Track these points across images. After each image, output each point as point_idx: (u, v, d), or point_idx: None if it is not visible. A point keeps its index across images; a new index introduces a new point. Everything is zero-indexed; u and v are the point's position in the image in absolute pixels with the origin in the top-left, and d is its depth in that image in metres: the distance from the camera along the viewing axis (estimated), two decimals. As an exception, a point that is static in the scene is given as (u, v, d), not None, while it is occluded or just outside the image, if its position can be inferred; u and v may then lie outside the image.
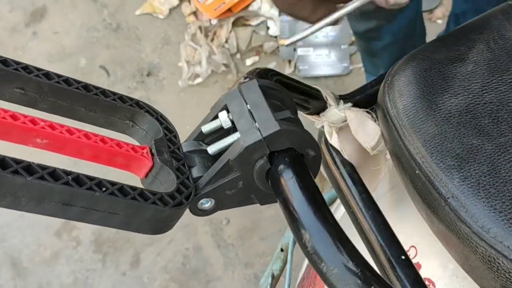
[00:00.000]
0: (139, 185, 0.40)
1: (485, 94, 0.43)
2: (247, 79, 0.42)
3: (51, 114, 0.36)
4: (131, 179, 0.37)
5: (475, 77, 0.45)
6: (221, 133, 0.38)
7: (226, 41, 1.66)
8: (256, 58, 1.64)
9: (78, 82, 0.36)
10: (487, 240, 0.36)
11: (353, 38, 1.63)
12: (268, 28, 1.67)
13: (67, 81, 0.36)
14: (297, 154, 0.35)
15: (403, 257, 0.43)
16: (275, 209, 1.43)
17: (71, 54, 1.78)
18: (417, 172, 0.41)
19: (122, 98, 0.38)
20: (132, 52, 1.74)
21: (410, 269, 0.42)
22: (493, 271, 0.36)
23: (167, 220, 0.33)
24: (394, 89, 0.47)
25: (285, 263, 0.67)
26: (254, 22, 1.67)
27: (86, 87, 0.37)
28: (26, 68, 0.34)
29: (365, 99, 0.57)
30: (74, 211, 0.30)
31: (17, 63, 0.34)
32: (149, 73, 1.69)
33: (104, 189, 0.30)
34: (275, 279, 0.65)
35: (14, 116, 0.31)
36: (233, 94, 0.38)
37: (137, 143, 0.39)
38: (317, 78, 1.58)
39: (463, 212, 0.37)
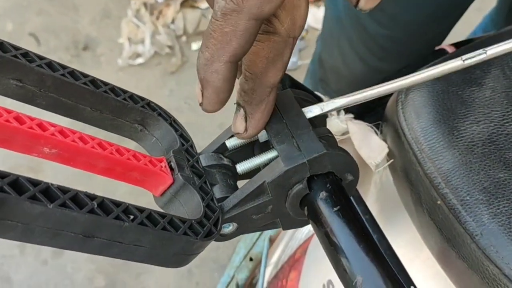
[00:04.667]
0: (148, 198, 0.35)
1: (506, 124, 0.42)
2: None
3: (49, 112, 0.29)
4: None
5: (494, 104, 0.43)
6: (245, 147, 0.33)
7: (173, 22, 1.58)
8: (203, 43, 1.57)
9: (85, 75, 0.30)
10: (519, 283, 0.34)
11: (304, 34, 1.62)
12: (217, 13, 1.61)
13: (73, 73, 0.29)
14: (337, 179, 0.32)
15: (412, 287, 0.41)
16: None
17: (-4, 16, 1.61)
18: (438, 203, 0.39)
19: (132, 97, 0.32)
20: (67, 22, 1.61)
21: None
22: (520, 315, 0.35)
23: (195, 252, 0.28)
24: (409, 108, 0.44)
25: (252, 273, 0.63)
26: (203, 5, 1.60)
27: (94, 82, 0.30)
28: (26, 55, 0.27)
29: (358, 109, 0.55)
30: (95, 244, 0.24)
31: (16, 47, 0.27)
32: (86, 47, 1.56)
33: (132, 217, 0.25)
34: (239, 289, 0.61)
35: (19, 119, 0.24)
36: (266, 105, 0.33)
37: (144, 151, 0.33)
38: (264, 70, 1.55)
39: (492, 252, 0.35)
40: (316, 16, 1.59)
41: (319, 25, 1.55)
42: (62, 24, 1.60)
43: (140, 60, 1.54)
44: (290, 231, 0.71)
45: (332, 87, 0.89)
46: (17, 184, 0.21)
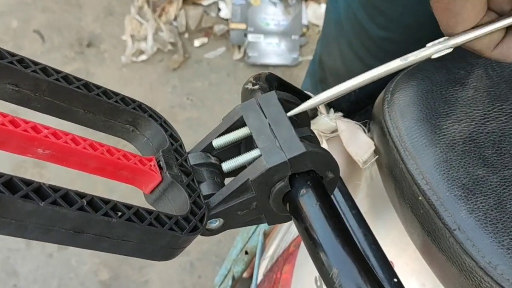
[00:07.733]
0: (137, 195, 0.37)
1: (487, 123, 0.43)
2: (257, 86, 0.39)
3: (44, 114, 0.31)
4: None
5: (476, 103, 0.44)
6: (232, 146, 0.35)
7: (175, 19, 1.60)
8: (205, 39, 1.59)
9: (78, 79, 0.32)
10: (493, 276, 0.36)
11: (304, 30, 1.63)
12: (219, 10, 1.62)
13: (66, 78, 0.31)
14: (318, 177, 0.33)
15: (395, 279, 0.43)
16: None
17: (1, 14, 1.63)
18: (420, 198, 0.41)
19: (124, 99, 0.34)
20: (71, 19, 1.63)
21: (403, 294, 0.41)
22: (495, 306, 0.36)
23: (180, 246, 0.30)
24: (395, 108, 0.46)
25: (247, 266, 0.64)
26: (205, 2, 1.62)
27: (87, 85, 0.32)
28: (22, 61, 0.29)
29: (349, 107, 0.57)
30: (85, 239, 0.26)
31: (12, 54, 0.29)
32: (90, 43, 1.58)
33: (119, 213, 0.26)
34: (235, 281, 0.63)
35: (14, 122, 0.26)
36: (250, 106, 0.35)
37: (135, 150, 0.35)
38: (265, 66, 1.56)
39: (469, 245, 0.37)
40: (316, 13, 1.60)
41: (319, 22, 1.56)
42: (66, 21, 1.62)
43: (143, 57, 1.55)
44: (285, 226, 0.72)
45: (331, 87, 0.91)
46: (11, 184, 0.23)
